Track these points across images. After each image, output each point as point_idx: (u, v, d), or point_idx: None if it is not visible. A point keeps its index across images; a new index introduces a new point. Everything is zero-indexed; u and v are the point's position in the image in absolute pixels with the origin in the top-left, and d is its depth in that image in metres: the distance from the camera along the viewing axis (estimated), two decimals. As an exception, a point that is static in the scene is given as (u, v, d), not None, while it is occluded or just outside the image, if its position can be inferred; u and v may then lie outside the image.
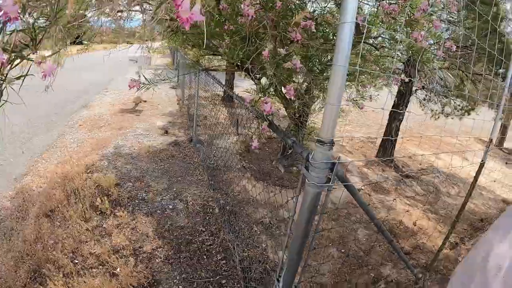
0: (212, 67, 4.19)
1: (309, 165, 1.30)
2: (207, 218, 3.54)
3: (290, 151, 5.21)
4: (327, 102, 1.22)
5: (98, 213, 3.37)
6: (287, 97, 2.24)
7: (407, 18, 2.25)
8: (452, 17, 4.88)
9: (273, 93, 2.12)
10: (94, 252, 2.83)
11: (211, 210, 3.69)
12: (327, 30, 2.41)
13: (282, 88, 2.35)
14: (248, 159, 5.50)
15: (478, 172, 2.75)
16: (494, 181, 6.95)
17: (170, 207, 3.65)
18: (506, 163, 9.54)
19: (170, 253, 2.95)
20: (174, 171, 4.53)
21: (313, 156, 1.28)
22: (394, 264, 3.30)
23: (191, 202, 3.76)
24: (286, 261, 1.55)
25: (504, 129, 10.81)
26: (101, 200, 3.45)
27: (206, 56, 4.39)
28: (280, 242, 3.36)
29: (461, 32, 4.45)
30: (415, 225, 4.31)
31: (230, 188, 4.32)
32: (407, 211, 4.71)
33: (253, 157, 5.63)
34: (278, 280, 1.65)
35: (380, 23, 2.59)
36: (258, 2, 1.60)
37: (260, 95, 1.71)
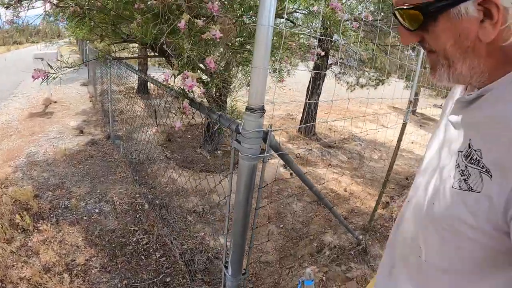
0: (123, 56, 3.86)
1: (241, 137, 1.21)
2: (137, 216, 3.30)
3: (213, 134, 5.13)
4: (253, 65, 1.12)
5: (20, 231, 2.94)
6: (208, 72, 2.11)
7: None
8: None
9: (191, 70, 1.97)
10: (24, 276, 2.46)
11: (140, 207, 3.45)
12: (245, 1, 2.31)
13: (201, 65, 2.21)
14: (170, 149, 5.30)
15: (402, 132, 2.92)
16: (412, 143, 7.61)
17: (97, 211, 3.33)
18: (420, 126, 10.57)
19: (105, 261, 2.69)
20: (95, 171, 4.16)
21: (243, 126, 1.18)
22: (334, 231, 3.41)
23: (118, 202, 3.47)
24: (231, 245, 1.45)
25: (416, 94, 12.04)
26: (21, 216, 3.01)
27: (117, 46, 4.03)
28: (217, 228, 3.27)
29: (371, 8, 4.68)
30: (346, 191, 4.51)
31: (157, 181, 4.10)
32: (333, 178, 4.91)
33: (176, 146, 5.44)
34: (226, 267, 1.55)
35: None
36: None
37: (179, 70, 1.55)
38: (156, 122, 5.92)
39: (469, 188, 0.61)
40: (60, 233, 2.95)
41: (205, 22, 1.70)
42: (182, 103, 1.67)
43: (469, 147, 0.64)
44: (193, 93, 1.67)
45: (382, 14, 5.15)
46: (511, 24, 0.57)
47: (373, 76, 8.39)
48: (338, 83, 8.82)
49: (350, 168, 5.58)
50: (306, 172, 1.91)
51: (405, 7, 0.63)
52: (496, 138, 0.59)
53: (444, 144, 0.76)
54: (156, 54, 3.02)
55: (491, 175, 0.57)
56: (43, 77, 1.68)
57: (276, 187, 4.34)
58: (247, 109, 1.17)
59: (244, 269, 1.59)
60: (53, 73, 1.73)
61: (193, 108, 1.70)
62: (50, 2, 2.50)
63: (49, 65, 1.82)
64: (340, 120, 8.41)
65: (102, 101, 6.92)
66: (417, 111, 12.19)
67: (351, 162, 5.94)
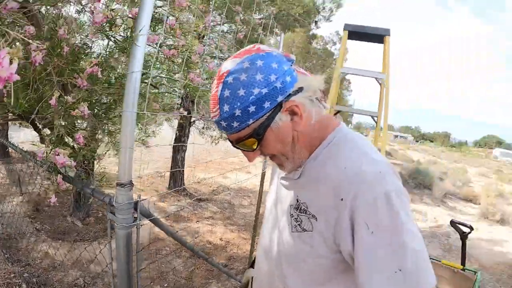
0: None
1: (114, 209, 1.32)
2: (15, 299, 2.88)
3: (85, 201, 4.83)
4: (121, 146, 1.29)
5: None
6: (75, 145, 2.15)
7: (185, 61, 2.54)
8: (223, 55, 5.67)
9: (63, 145, 1.98)
10: None
11: (18, 288, 3.01)
12: (110, 74, 2.45)
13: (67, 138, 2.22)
14: (39, 219, 4.73)
15: (262, 179, 3.35)
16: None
17: (-34, 299, 2.78)
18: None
19: None
20: (-49, 254, 3.45)
21: (116, 200, 1.31)
22: (217, 279, 3.55)
23: (-11, 286, 2.96)
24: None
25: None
26: None
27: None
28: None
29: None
30: (222, 240, 4.73)
31: (31, 256, 3.63)
32: (208, 230, 5.11)
33: (44, 216, 4.88)
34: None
35: (159, 64, 2.81)
36: (45, 47, 1.51)
37: (51, 147, 1.59)
38: (21, 190, 5.26)
39: (303, 229, 0.84)
40: None
41: (74, 98, 1.79)
42: (56, 178, 1.69)
43: (297, 201, 0.88)
44: (65, 168, 1.70)
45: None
46: (309, 109, 0.82)
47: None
48: (203, 137, 9.23)
49: (223, 218, 5.86)
50: (177, 231, 2.07)
51: (243, 140, 0.80)
52: (317, 192, 0.83)
53: (278, 201, 1.00)
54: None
55: (316, 219, 0.82)
56: None
57: (154, 247, 4.28)
58: (118, 184, 1.31)
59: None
60: None
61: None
62: None
63: None
64: (213, 174, 8.72)
65: None
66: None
67: (223, 212, 6.24)
